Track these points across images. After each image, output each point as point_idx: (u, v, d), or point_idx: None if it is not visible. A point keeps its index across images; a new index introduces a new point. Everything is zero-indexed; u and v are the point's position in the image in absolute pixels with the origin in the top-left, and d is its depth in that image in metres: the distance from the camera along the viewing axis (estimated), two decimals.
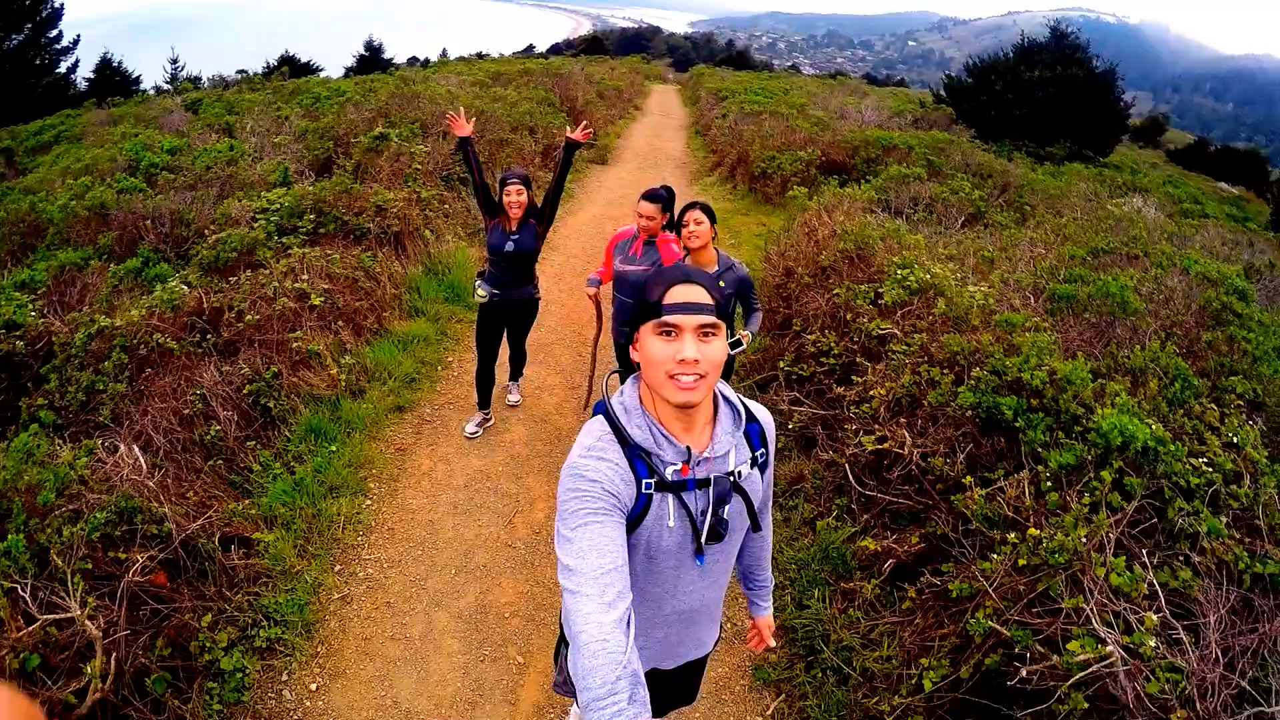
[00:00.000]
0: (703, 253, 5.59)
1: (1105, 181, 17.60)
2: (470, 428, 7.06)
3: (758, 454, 2.37)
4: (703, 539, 2.27)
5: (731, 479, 2.27)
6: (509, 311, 6.78)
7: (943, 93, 30.08)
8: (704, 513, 2.25)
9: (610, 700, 1.69)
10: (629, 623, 1.84)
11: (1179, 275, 7.48)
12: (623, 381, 2.36)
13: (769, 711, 4.46)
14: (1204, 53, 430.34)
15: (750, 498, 2.34)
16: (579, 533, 1.96)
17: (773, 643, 3.07)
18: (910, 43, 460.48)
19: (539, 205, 6.51)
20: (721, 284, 5.38)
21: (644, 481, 2.16)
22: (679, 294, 2.02)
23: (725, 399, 2.32)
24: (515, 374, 7.49)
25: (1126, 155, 33.97)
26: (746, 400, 2.41)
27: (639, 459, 2.16)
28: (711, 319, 2.03)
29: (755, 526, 2.41)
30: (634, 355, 2.16)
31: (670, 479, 2.18)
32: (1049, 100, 25.05)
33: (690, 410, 2.12)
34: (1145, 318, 6.34)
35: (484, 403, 7.13)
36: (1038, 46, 27.79)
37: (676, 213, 5.79)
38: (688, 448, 2.19)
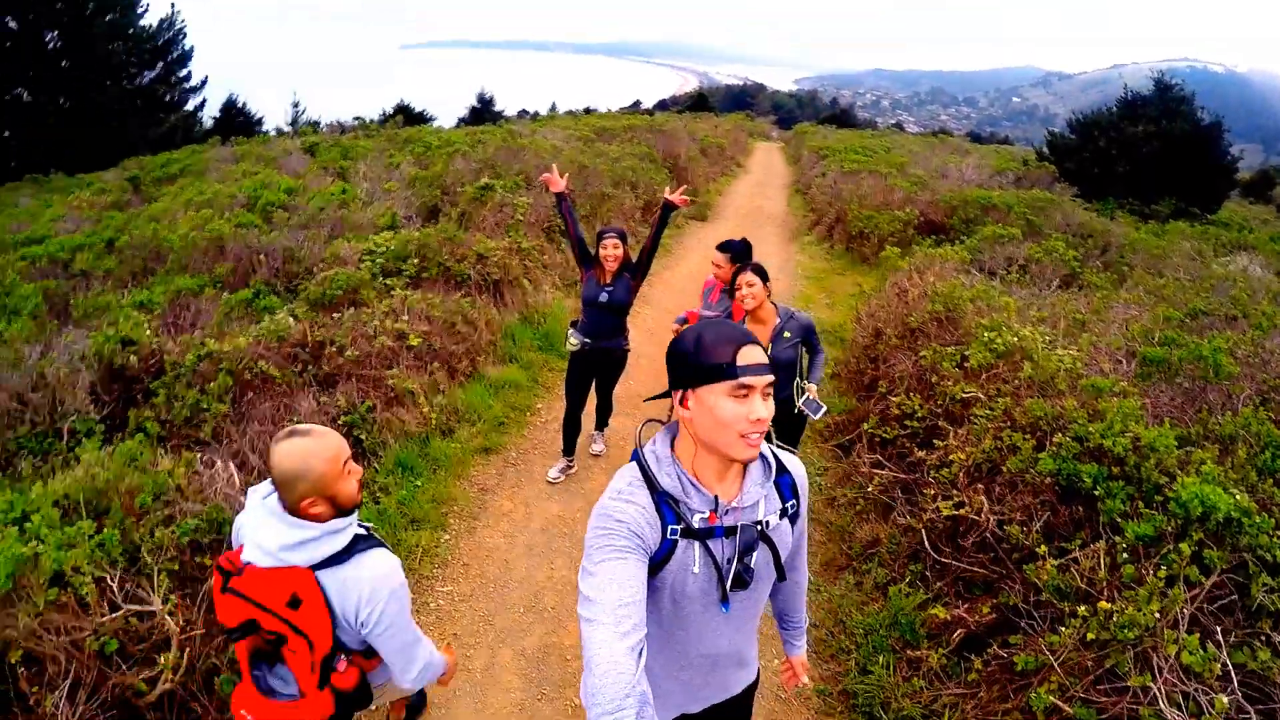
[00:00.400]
0: (759, 311, 5.64)
1: (1210, 239, 17.10)
2: (553, 473, 7.15)
3: (788, 505, 2.42)
4: (727, 586, 2.30)
5: (759, 528, 2.31)
6: (599, 362, 6.88)
7: (1045, 150, 29.57)
8: (730, 560, 2.29)
9: (617, 714, 1.77)
10: (641, 653, 1.90)
11: (1279, 337, 7.26)
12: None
13: None
14: None
15: (778, 548, 2.38)
16: (601, 568, 2.04)
17: (806, 680, 3.07)
18: (1015, 99, 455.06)
19: (634, 260, 6.63)
20: (787, 334, 5.43)
21: (670, 527, 2.21)
22: (750, 355, 2.08)
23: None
24: (601, 424, 7.57)
25: (1236, 211, 32.82)
26: (779, 451, 2.48)
27: (666, 505, 2.21)
28: (772, 377, 2.11)
29: (781, 576, 2.42)
30: (684, 414, 2.19)
31: (697, 526, 2.22)
32: (1153, 155, 24.39)
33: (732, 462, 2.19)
34: (1240, 382, 6.17)
35: (569, 449, 7.21)
36: (1142, 100, 27.04)
37: (730, 274, 5.88)
38: (715, 496, 2.24)
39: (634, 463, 2.31)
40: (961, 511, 5.18)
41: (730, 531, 2.27)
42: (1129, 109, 26.91)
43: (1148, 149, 24.45)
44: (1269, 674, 3.43)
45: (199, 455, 5.51)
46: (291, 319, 7.67)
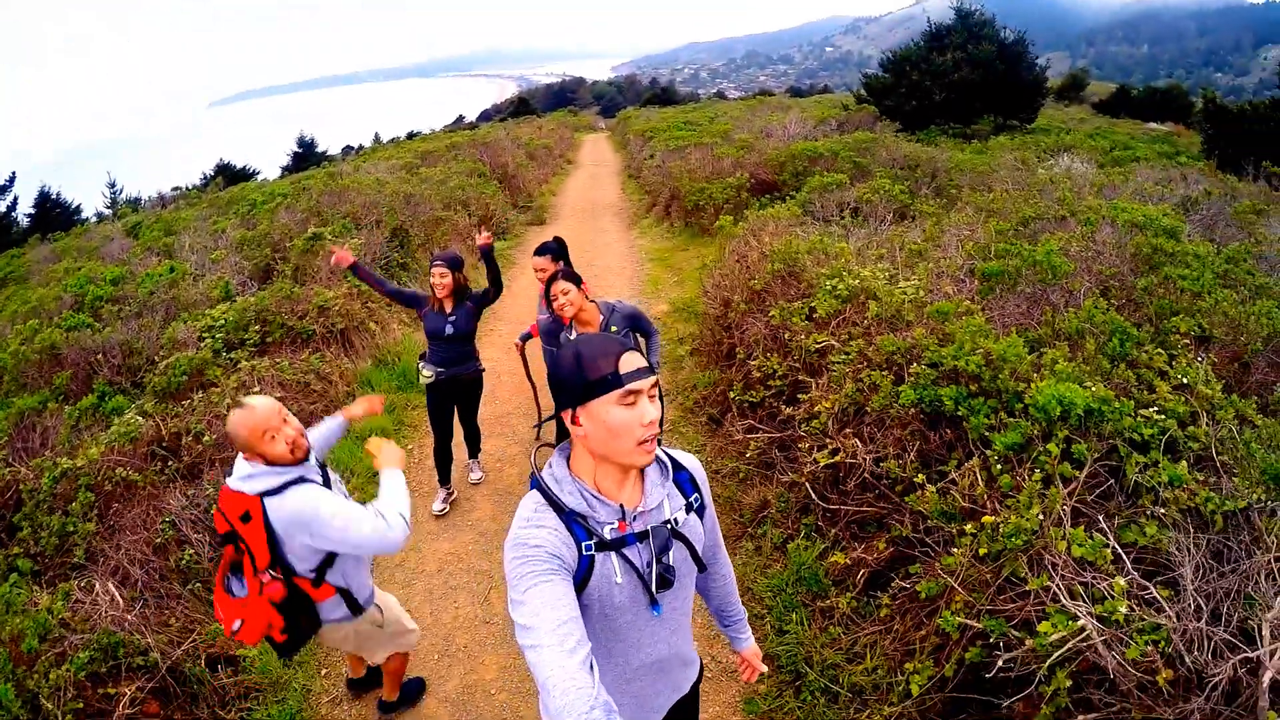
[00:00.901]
0: (581, 314, 5.61)
1: (1032, 148, 17.72)
2: (437, 505, 7.05)
3: (691, 499, 2.46)
4: (653, 589, 2.30)
5: (669, 526, 2.33)
6: (455, 390, 6.84)
7: (863, 92, 30.27)
8: (649, 564, 2.29)
9: None
10: (593, 666, 1.89)
11: (1108, 227, 7.48)
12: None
13: None
14: (1110, 2, 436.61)
15: (692, 542, 2.39)
16: (530, 594, 2.01)
17: (764, 668, 3.09)
18: (828, 49, 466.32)
19: (470, 288, 6.67)
20: (614, 329, 5.40)
21: (584, 544, 2.20)
22: (631, 361, 2.11)
23: None
24: (473, 451, 7.46)
25: (1054, 117, 34.20)
26: (671, 450, 2.52)
27: (576, 523, 2.21)
28: (655, 377, 2.16)
29: (701, 567, 2.45)
30: (577, 432, 2.21)
31: (609, 537, 2.23)
32: (965, 80, 25.25)
33: (628, 469, 2.23)
34: (1078, 278, 6.34)
35: (444, 479, 7.14)
36: (947, 29, 27.93)
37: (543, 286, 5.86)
38: (620, 505, 2.25)
39: (534, 489, 2.31)
40: (838, 458, 5.22)
41: (643, 536, 2.29)
42: (936, 40, 27.94)
43: (959, 74, 25.23)
44: (1161, 546, 3.49)
45: (77, 582, 5.36)
46: (140, 417, 7.38)
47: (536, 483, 2.30)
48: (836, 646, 4.56)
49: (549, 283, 5.58)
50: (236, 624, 3.68)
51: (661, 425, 2.27)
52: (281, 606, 3.67)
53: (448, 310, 6.54)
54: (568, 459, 2.32)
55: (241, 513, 3.55)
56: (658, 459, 2.40)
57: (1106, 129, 28.30)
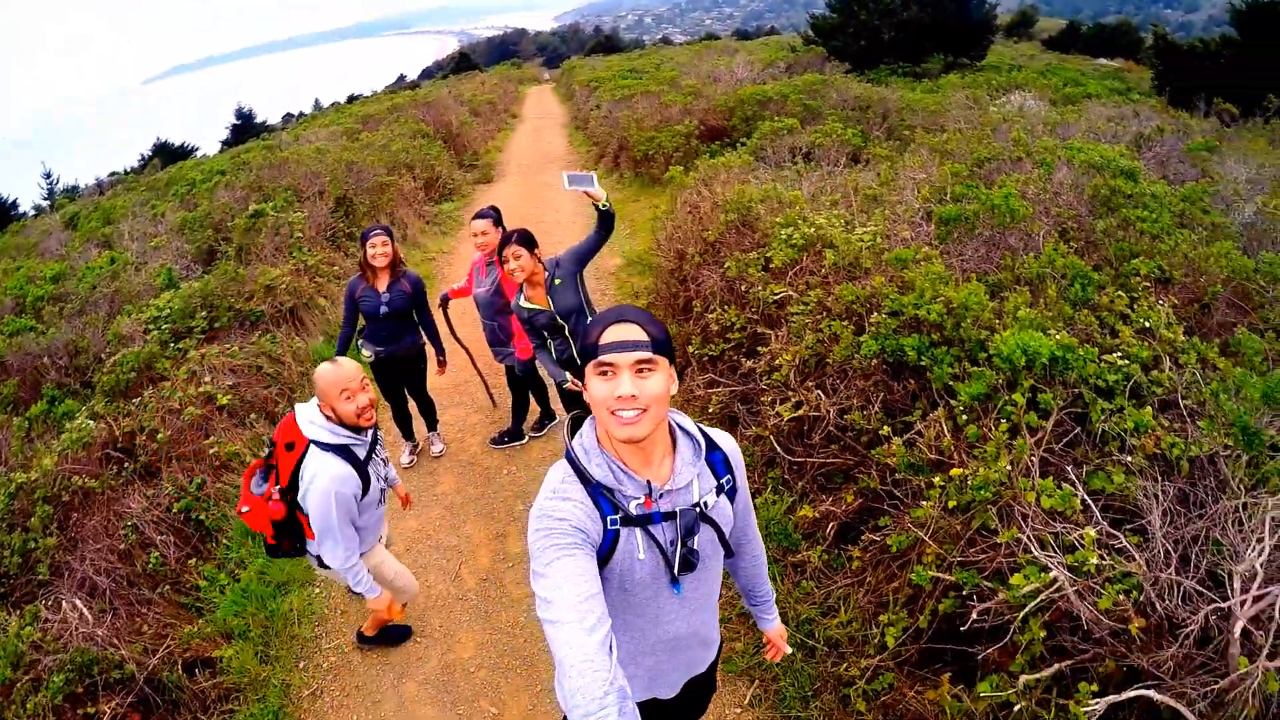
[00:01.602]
0: (534, 276, 5.52)
1: (983, 86, 17.68)
2: (405, 458, 7.18)
3: (723, 481, 2.41)
4: (675, 570, 2.29)
5: (698, 509, 2.29)
6: (398, 367, 6.81)
7: (810, 33, 30.12)
8: (673, 544, 2.27)
9: (601, 714, 1.73)
10: (611, 645, 1.87)
11: (1065, 168, 7.43)
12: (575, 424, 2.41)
13: (746, 699, 4.44)
14: None
15: (720, 526, 2.36)
16: (552, 568, 2.00)
17: (789, 649, 3.13)
18: None
19: (404, 264, 6.68)
20: (558, 281, 5.37)
21: (609, 517, 2.19)
22: (613, 334, 2.09)
23: (684, 430, 2.36)
24: (430, 424, 7.40)
25: (1003, 54, 34.21)
26: (709, 429, 2.47)
27: (602, 496, 2.20)
28: (647, 354, 2.08)
29: (728, 553, 2.44)
30: (587, 397, 2.19)
31: (635, 513, 2.22)
32: (914, 19, 25.15)
33: (641, 444, 2.16)
34: (1037, 220, 6.28)
35: (407, 434, 7.25)
36: None
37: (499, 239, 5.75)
38: (648, 481, 2.23)
39: (565, 459, 2.30)
40: (802, 411, 5.20)
41: (669, 515, 2.26)
42: None
43: (908, 13, 25.12)
44: (1129, 493, 3.48)
45: (43, 601, 5.35)
46: (91, 421, 7.24)
47: (569, 451, 2.29)
48: (810, 601, 4.56)
49: (502, 245, 5.46)
50: (244, 508, 4.22)
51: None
52: (277, 524, 4.20)
53: (380, 288, 6.43)
54: (597, 428, 2.29)
55: (288, 441, 4.09)
56: (691, 437, 2.36)
57: (1056, 65, 28.36)
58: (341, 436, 4.06)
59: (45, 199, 40.17)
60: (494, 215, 6.47)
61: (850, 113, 14.33)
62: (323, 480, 3.95)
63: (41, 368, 9.32)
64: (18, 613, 5.11)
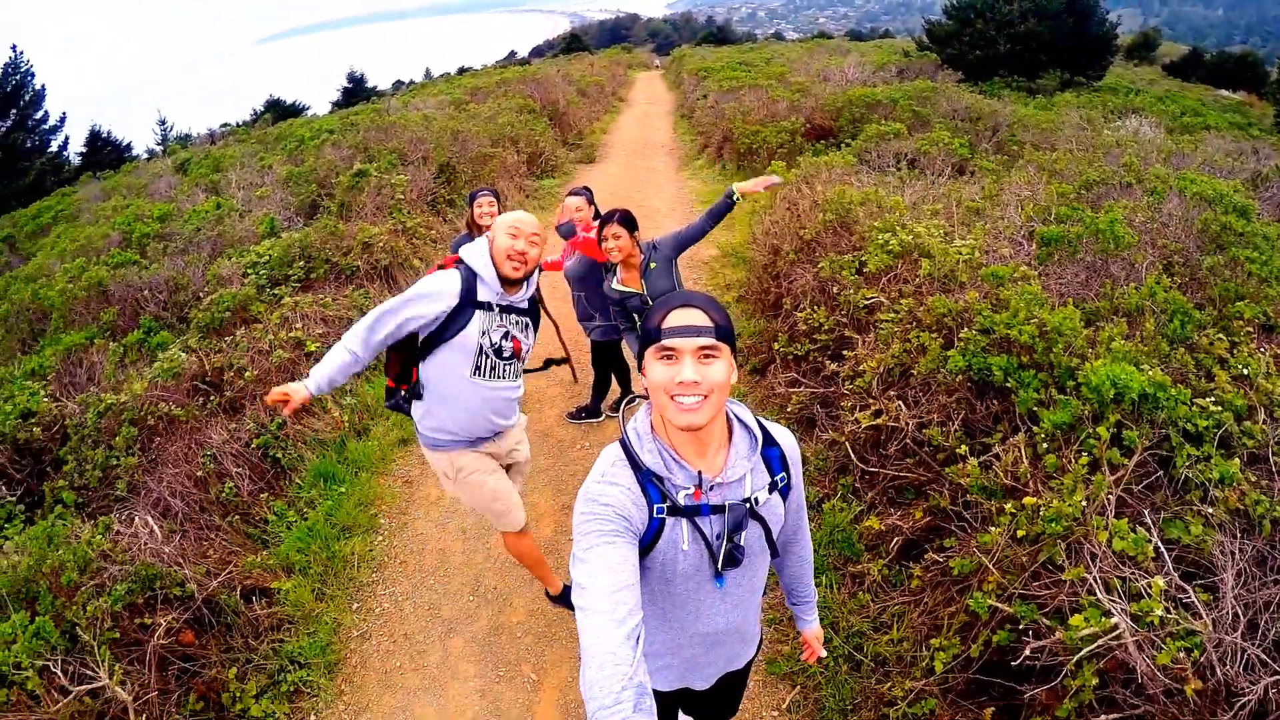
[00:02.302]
0: (629, 258, 5.56)
1: (1098, 107, 17.27)
2: None
3: (777, 478, 2.34)
4: (719, 564, 2.25)
5: (748, 505, 2.24)
6: None
7: (925, 39, 29.70)
8: (719, 538, 2.23)
9: (616, 708, 1.70)
10: (638, 639, 1.85)
11: (1176, 199, 7.22)
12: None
13: (785, 704, 4.40)
14: None
15: (769, 524, 2.31)
16: (591, 554, 1.99)
17: (824, 653, 3.05)
18: None
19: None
20: (653, 265, 5.41)
21: (655, 506, 2.16)
22: (677, 318, 2.04)
23: (741, 422, 2.30)
24: None
25: (1121, 76, 33.44)
26: (769, 424, 2.40)
27: (651, 484, 2.17)
28: (710, 340, 2.03)
29: (774, 553, 2.38)
30: (642, 382, 2.17)
31: (682, 503, 2.18)
32: (1032, 31, 24.64)
33: (698, 433, 2.11)
34: (1141, 250, 6.12)
35: None
36: None
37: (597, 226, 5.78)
38: (699, 472, 2.17)
39: (617, 442, 2.27)
40: (881, 420, 5.14)
41: (718, 509, 2.21)
42: None
43: (1026, 25, 24.59)
44: (1203, 547, 3.35)
45: (118, 514, 5.50)
46: (183, 353, 7.51)
47: (623, 435, 2.26)
48: (864, 614, 4.51)
49: (603, 223, 5.49)
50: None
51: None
52: (395, 375, 4.13)
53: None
54: (653, 413, 2.26)
55: (441, 264, 4.01)
56: (749, 430, 2.30)
57: (1176, 93, 27.59)
58: (481, 267, 3.88)
59: (159, 144, 41.41)
60: (587, 194, 6.52)
61: (959, 123, 14.09)
62: (419, 283, 3.86)
63: (141, 300, 9.68)
64: (91, 523, 5.27)
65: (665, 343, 2.02)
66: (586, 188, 6.64)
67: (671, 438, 2.18)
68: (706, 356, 2.03)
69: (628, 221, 5.46)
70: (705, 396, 2.02)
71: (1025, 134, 13.44)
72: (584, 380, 7.87)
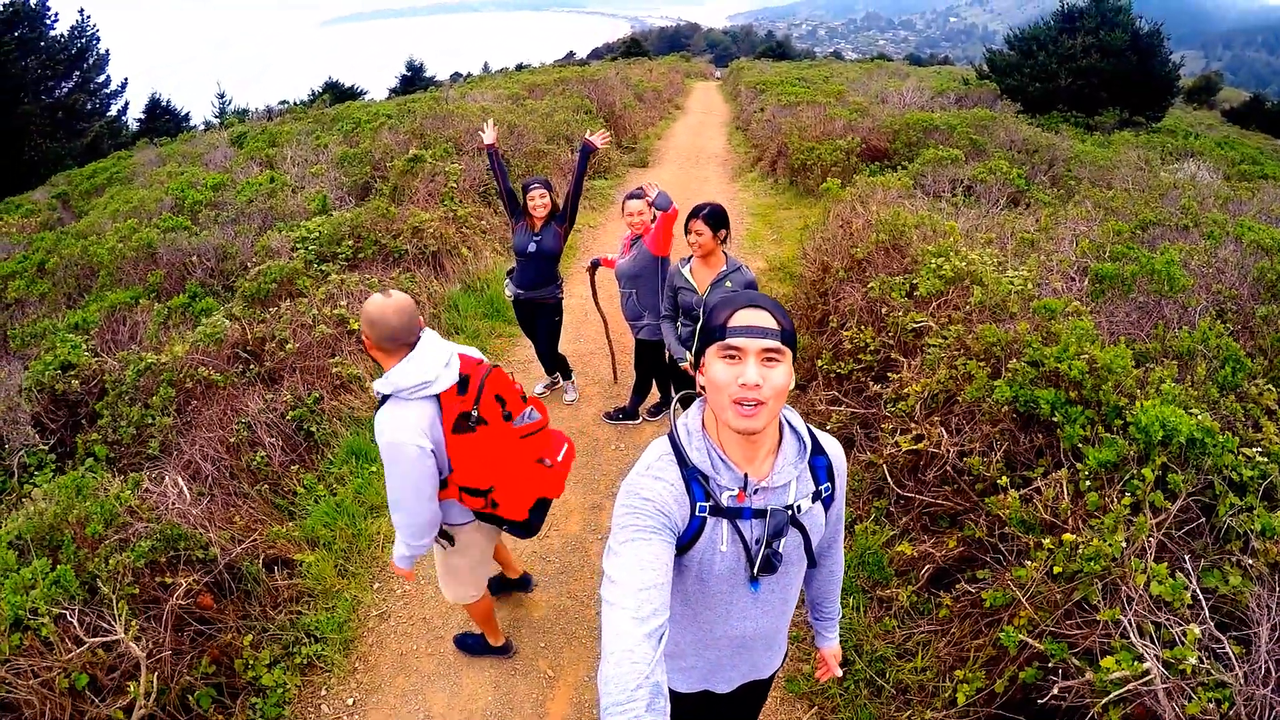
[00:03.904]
0: (710, 257, 5.56)
1: (1156, 148, 17.09)
2: (538, 388, 7.72)
3: (822, 488, 2.32)
4: (755, 569, 2.24)
5: (790, 512, 2.22)
6: (535, 310, 7.07)
7: (985, 68, 29.53)
8: (759, 542, 2.21)
9: (628, 705, 1.70)
10: (660, 639, 1.84)
11: (1232, 245, 7.15)
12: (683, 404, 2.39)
13: None
14: (1253, 3, 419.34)
15: (809, 533, 2.30)
16: (625, 548, 1.99)
17: (839, 672, 3.03)
18: (951, 19, 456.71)
19: (560, 208, 6.83)
20: (728, 284, 5.34)
21: (699, 505, 2.15)
22: (744, 318, 2.01)
23: (792, 428, 2.29)
24: (564, 374, 7.71)
25: (1180, 118, 33.09)
26: (818, 432, 2.38)
27: (696, 481, 2.16)
28: (775, 344, 1.99)
29: (812, 563, 2.37)
30: (700, 379, 2.14)
31: (726, 504, 2.16)
32: (1094, 67, 24.45)
33: (752, 437, 2.09)
34: (1195, 294, 6.06)
35: (566, 373, 7.69)
36: (1079, 11, 26.83)
37: (683, 220, 5.73)
38: (745, 475, 2.16)
39: (666, 437, 2.26)
40: (921, 445, 5.10)
41: (760, 513, 2.20)
42: (1067, 21, 26.86)
43: (1088, 61, 24.40)
44: (1241, 599, 3.30)
45: (148, 472, 5.58)
46: (227, 320, 7.56)
47: (672, 430, 2.26)
48: (889, 639, 4.48)
49: (691, 214, 5.50)
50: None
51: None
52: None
53: (535, 229, 6.70)
54: (704, 411, 2.25)
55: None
56: (799, 437, 2.28)
57: (1235, 139, 27.19)
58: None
59: (216, 116, 41.89)
60: (662, 196, 6.38)
61: (1016, 154, 14.00)
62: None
63: (189, 265, 9.82)
64: (121, 478, 5.32)
65: (730, 341, 1.99)
66: (658, 190, 6.46)
67: (721, 438, 2.16)
68: (770, 360, 2.00)
69: (713, 218, 5.44)
70: (764, 402, 1.99)
71: (1082, 170, 13.34)
72: (623, 381, 7.92)
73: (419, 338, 3.44)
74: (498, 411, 3.63)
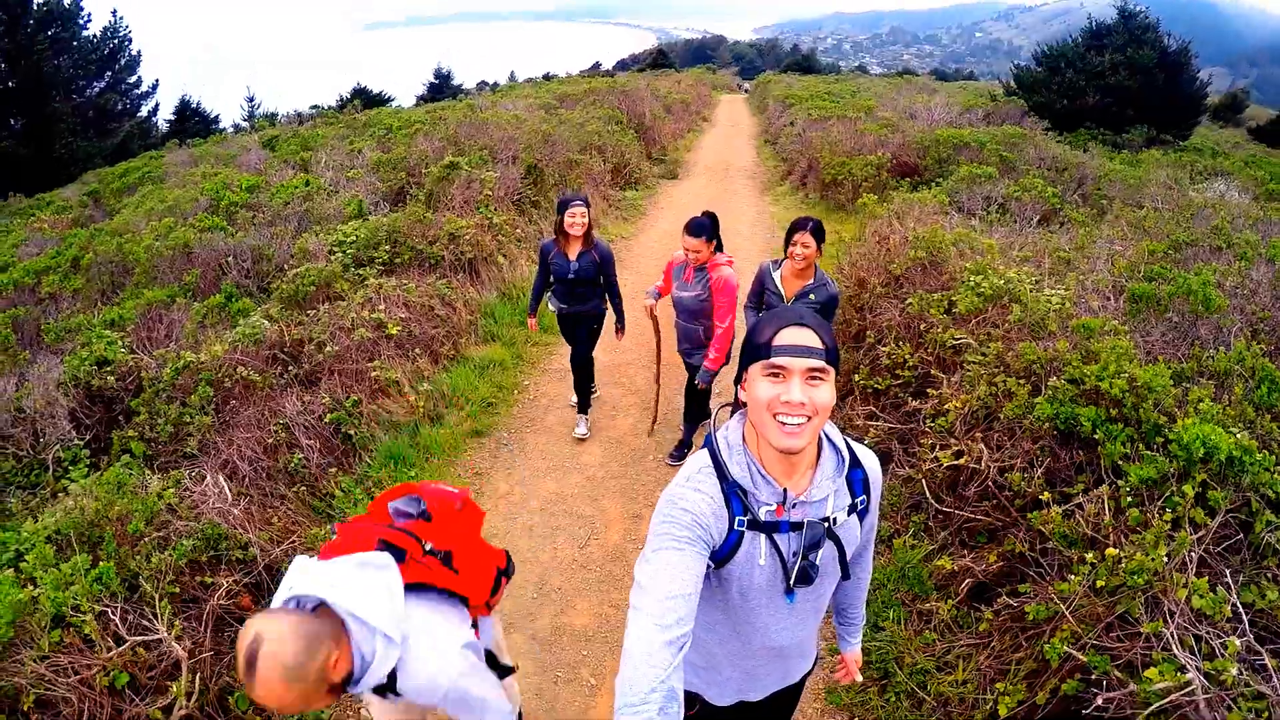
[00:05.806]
0: (805, 270, 5.70)
1: (1185, 167, 17.06)
2: (579, 430, 7.45)
3: (858, 500, 2.31)
4: (791, 580, 2.24)
5: (826, 525, 2.23)
6: (579, 322, 7.10)
7: (1013, 84, 29.42)
8: (795, 555, 2.22)
9: (641, 708, 1.76)
10: (681, 648, 1.88)
11: (1264, 266, 7.20)
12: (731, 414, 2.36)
13: None
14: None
15: (844, 546, 2.30)
16: (657, 555, 2.02)
17: (860, 677, 3.06)
18: (977, 34, 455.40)
19: (596, 234, 6.93)
20: (812, 296, 5.49)
21: (737, 519, 2.15)
22: (789, 336, 2.01)
23: (830, 442, 2.28)
24: (583, 404, 7.53)
25: (1207, 136, 32.91)
26: (855, 444, 2.37)
27: (735, 495, 2.15)
28: (820, 363, 2.00)
29: (845, 575, 2.36)
30: (742, 394, 2.16)
31: (764, 519, 2.17)
32: (1122, 85, 24.38)
33: (793, 454, 2.08)
34: (1230, 315, 6.11)
35: (584, 407, 7.53)
36: (1107, 29, 26.79)
37: (787, 228, 5.82)
38: (785, 490, 2.17)
39: (705, 449, 2.25)
40: (961, 461, 5.15)
41: (796, 526, 2.20)
42: (1095, 39, 26.74)
43: (1116, 78, 24.33)
44: (1277, 612, 3.39)
45: (187, 471, 5.55)
46: (266, 321, 7.65)
47: (709, 442, 2.25)
48: (929, 652, 4.51)
49: (796, 226, 5.69)
50: None
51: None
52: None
53: (571, 256, 6.72)
54: (745, 425, 2.24)
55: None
56: (837, 451, 2.27)
57: (1262, 158, 27.05)
58: None
59: (245, 119, 42.25)
60: (709, 227, 6.13)
61: (1046, 172, 14.03)
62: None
63: (224, 265, 9.88)
64: (160, 475, 5.37)
65: (775, 360, 2.00)
66: (710, 214, 6.31)
67: (761, 453, 2.17)
68: (814, 378, 2.00)
69: (819, 233, 5.61)
70: (808, 419, 2.00)
71: (1111, 188, 13.35)
72: (657, 432, 7.61)
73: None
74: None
